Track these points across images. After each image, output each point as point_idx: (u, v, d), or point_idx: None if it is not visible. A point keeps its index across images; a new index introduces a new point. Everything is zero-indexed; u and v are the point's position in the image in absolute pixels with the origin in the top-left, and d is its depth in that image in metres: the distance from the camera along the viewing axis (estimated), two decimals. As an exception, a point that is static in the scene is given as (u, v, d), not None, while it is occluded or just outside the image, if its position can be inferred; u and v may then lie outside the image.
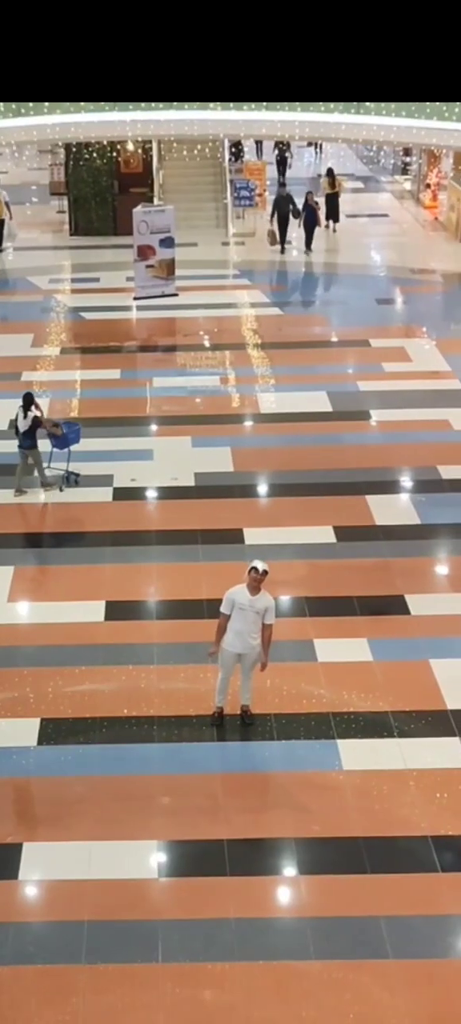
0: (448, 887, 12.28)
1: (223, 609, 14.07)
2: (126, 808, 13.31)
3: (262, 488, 20.62)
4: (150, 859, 12.62)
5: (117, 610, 16.94)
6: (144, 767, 13.93)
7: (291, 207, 33.39)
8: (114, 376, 25.70)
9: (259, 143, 42.74)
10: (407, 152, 41.88)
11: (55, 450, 20.79)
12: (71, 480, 20.77)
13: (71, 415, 23.57)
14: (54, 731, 14.49)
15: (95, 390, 24.80)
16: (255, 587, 13.98)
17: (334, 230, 36.10)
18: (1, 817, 13.39)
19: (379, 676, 15.45)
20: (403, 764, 13.92)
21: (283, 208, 33.19)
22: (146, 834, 12.91)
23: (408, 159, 42.95)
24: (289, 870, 12.56)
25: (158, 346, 27.66)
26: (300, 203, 34.23)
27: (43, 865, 12.55)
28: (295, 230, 34.09)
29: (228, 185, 37.29)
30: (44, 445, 20.41)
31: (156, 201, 33.58)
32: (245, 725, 14.51)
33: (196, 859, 12.66)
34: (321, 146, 46.58)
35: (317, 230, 33.91)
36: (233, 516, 19.34)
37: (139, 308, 29.87)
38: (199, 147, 35.48)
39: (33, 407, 20.37)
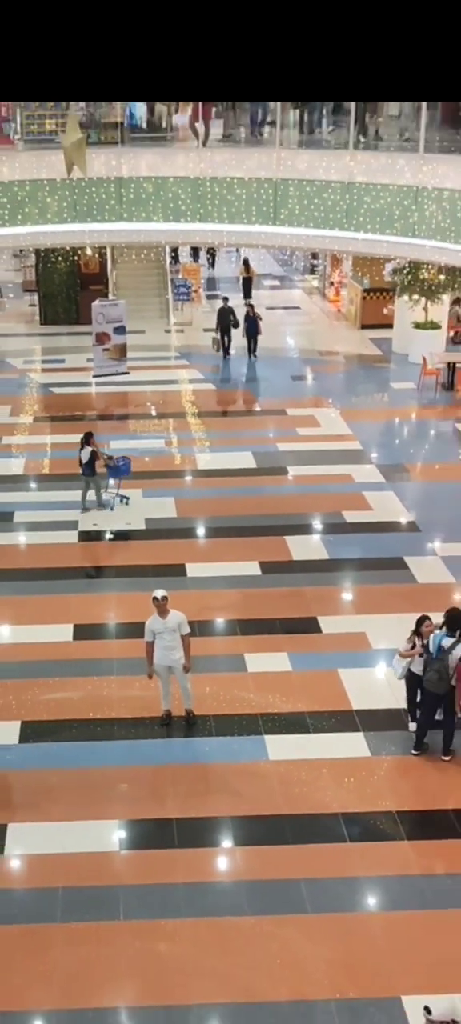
0: (355, 854, 12.37)
1: (146, 638, 14.17)
2: (92, 794, 13.30)
3: (200, 530, 20.63)
4: (112, 836, 12.62)
5: (83, 631, 16.90)
6: (107, 760, 13.91)
7: (232, 318, 31.95)
8: (78, 440, 25.57)
9: (195, 249, 42.82)
10: (314, 256, 42.17)
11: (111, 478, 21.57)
12: (122, 501, 21.37)
13: (42, 472, 23.56)
14: (32, 732, 14.43)
15: (62, 451, 24.65)
16: (162, 611, 14.06)
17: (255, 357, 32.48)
18: (-11, 803, 13.38)
19: (297, 683, 15.53)
20: (317, 755, 14.00)
21: (225, 320, 31.86)
22: (109, 815, 12.92)
23: (315, 261, 43.19)
24: (226, 842, 12.59)
25: (113, 415, 27.60)
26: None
27: (24, 842, 12.50)
28: (238, 339, 32.20)
29: (169, 283, 37.38)
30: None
31: (111, 296, 33.52)
32: (189, 725, 14.50)
33: (150, 835, 12.68)
34: (238, 250, 45.46)
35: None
36: (177, 553, 19.33)
37: (98, 384, 29.80)
38: (145, 252, 35.55)
39: (91, 443, 20.90)
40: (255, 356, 31.71)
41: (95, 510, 21.11)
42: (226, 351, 31.74)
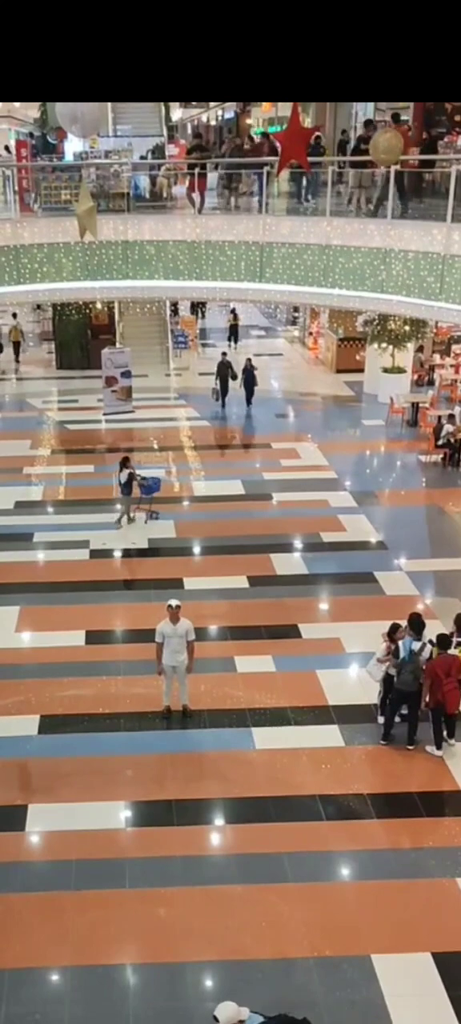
0: (330, 831, 12.45)
1: (157, 639, 14.29)
2: (101, 779, 13.35)
3: (196, 549, 20.68)
4: (119, 815, 12.67)
5: (94, 637, 16.96)
6: (114, 749, 13.97)
7: (230, 371, 30.64)
8: (89, 470, 25.69)
9: (194, 305, 42.83)
10: (296, 309, 42.29)
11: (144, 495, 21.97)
12: (153, 516, 21.84)
13: (58, 498, 23.64)
14: (49, 724, 14.49)
15: (76, 480, 24.77)
16: (174, 618, 14.17)
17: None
18: (12, 786, 13.40)
19: (280, 682, 15.60)
20: (298, 744, 14.08)
21: (223, 372, 30.49)
22: (116, 797, 12.98)
23: (296, 314, 43.31)
24: (218, 821, 12.67)
25: (120, 448, 27.65)
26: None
27: (42, 821, 12.55)
28: (235, 389, 31.02)
29: (169, 333, 37.49)
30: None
31: (118, 345, 33.57)
32: (185, 718, 14.57)
33: (152, 814, 12.73)
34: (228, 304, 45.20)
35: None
36: (176, 569, 19.40)
37: (107, 421, 29.85)
38: (148, 306, 35.64)
39: (128, 466, 21.65)
40: (251, 404, 30.64)
41: (126, 525, 21.57)
42: (223, 402, 30.61)
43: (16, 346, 37.13)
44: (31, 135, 37.37)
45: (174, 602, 14.32)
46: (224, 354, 31.22)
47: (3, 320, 38.47)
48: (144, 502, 21.99)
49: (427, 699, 13.78)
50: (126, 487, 21.62)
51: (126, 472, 21.57)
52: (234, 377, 30.68)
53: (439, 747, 13.93)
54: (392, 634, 14.15)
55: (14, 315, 36.94)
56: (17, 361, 37.11)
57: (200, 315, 43.44)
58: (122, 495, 21.87)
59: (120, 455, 26.38)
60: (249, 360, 30.99)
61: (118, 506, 22.07)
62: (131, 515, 21.81)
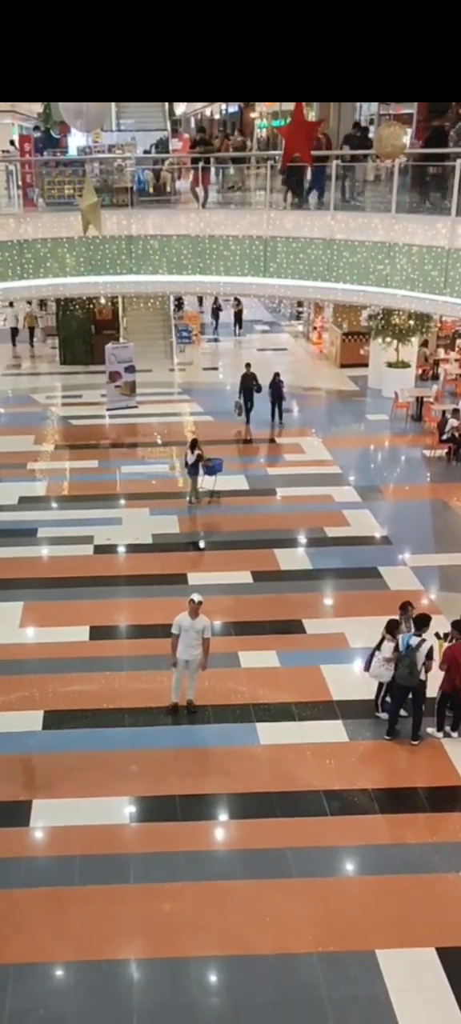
0: (334, 826, 12.46)
1: (173, 630, 14.24)
2: (105, 774, 13.37)
3: (200, 544, 20.75)
4: (123, 810, 12.69)
5: (98, 632, 16.98)
6: (118, 745, 13.98)
7: (254, 383, 28.19)
8: (93, 465, 25.71)
9: (200, 298, 42.84)
10: (300, 304, 42.24)
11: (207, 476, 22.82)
12: (214, 496, 22.72)
13: (62, 493, 23.66)
14: (54, 720, 14.51)
15: (79, 475, 24.79)
16: (194, 613, 14.16)
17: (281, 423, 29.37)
18: (16, 782, 13.41)
19: (284, 677, 15.61)
20: (302, 739, 14.10)
21: (248, 384, 28.17)
22: (120, 792, 13.00)
23: (300, 309, 43.27)
24: (222, 816, 12.69)
25: (124, 444, 27.68)
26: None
27: (46, 816, 12.57)
28: (262, 405, 28.48)
29: (173, 328, 37.48)
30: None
31: (121, 340, 33.55)
32: (190, 714, 14.59)
33: (156, 809, 12.76)
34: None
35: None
36: (179, 564, 19.42)
37: (111, 416, 29.86)
38: (151, 301, 35.63)
39: (197, 447, 22.42)
40: (281, 423, 28.48)
41: (194, 499, 22.62)
42: (248, 417, 28.42)
43: (31, 331, 38.65)
44: (38, 128, 37.31)
45: (197, 597, 14.33)
46: (248, 365, 28.87)
47: (11, 309, 38.60)
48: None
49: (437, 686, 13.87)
50: (193, 467, 22.44)
51: (195, 454, 22.34)
52: (259, 389, 28.49)
53: (441, 729, 14.02)
54: (393, 631, 14.18)
55: (29, 302, 37.10)
56: (32, 346, 38.43)
57: (213, 318, 42.11)
58: (189, 475, 22.61)
59: (124, 450, 26.52)
60: (277, 374, 28.74)
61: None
62: (196, 495, 22.67)
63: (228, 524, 21.71)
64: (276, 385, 28.43)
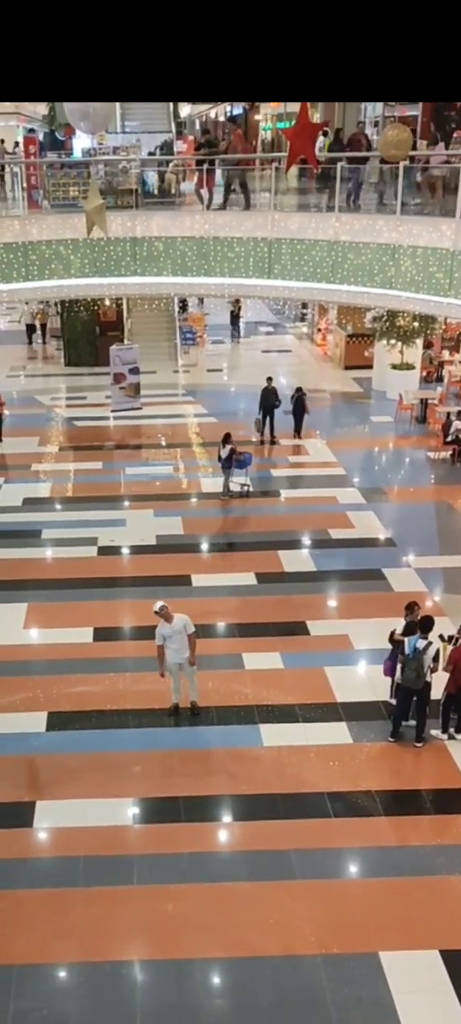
0: (338, 828, 12.45)
1: (157, 642, 14.31)
2: (109, 775, 13.39)
3: (204, 546, 20.71)
4: (127, 811, 12.70)
5: (102, 634, 17.00)
6: (122, 746, 13.99)
7: (275, 399, 26.94)
8: (97, 467, 25.74)
9: (200, 299, 42.81)
10: (304, 305, 42.22)
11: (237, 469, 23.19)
12: (244, 490, 23.16)
13: (66, 495, 23.68)
14: (57, 721, 14.53)
15: (84, 476, 24.80)
16: (167, 618, 14.16)
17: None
18: (20, 783, 13.43)
19: (288, 679, 15.61)
20: (306, 741, 14.09)
21: (269, 401, 26.89)
22: (123, 793, 13.00)
23: (305, 310, 43.25)
24: (226, 817, 12.69)
25: (128, 445, 27.69)
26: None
27: (50, 817, 12.58)
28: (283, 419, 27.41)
29: (177, 330, 37.48)
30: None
31: (126, 341, 33.58)
32: (193, 715, 14.59)
33: (159, 810, 12.75)
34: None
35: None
36: (183, 566, 19.42)
37: (115, 418, 29.88)
38: (156, 303, 35.63)
39: (230, 442, 22.89)
40: (300, 436, 27.35)
41: (226, 494, 23.12)
42: (272, 436, 27.13)
43: (43, 328, 39.74)
44: (32, 131, 37.44)
45: (157, 605, 14.31)
46: (269, 379, 27.44)
47: (27, 306, 38.90)
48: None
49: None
50: (227, 461, 22.85)
51: (228, 448, 22.72)
52: (278, 404, 27.22)
53: (445, 731, 14.03)
54: (411, 611, 14.29)
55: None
56: (44, 343, 39.47)
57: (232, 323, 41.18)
58: (222, 469, 22.98)
59: (128, 452, 26.56)
60: (300, 389, 27.69)
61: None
62: (229, 490, 23.07)
63: (232, 526, 21.72)
64: (298, 399, 27.34)
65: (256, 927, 10.89)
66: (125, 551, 20.40)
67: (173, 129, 39.65)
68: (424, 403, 29.33)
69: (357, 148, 23.63)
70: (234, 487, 23.25)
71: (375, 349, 32.66)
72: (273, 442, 27.10)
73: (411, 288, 20.30)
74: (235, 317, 40.07)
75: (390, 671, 14.33)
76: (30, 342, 40.03)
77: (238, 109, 57.48)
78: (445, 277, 19.42)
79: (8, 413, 28.62)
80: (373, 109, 35.53)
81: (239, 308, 40.28)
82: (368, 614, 17.39)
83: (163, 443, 27.82)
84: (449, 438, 25.75)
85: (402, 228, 20.26)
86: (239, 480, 23.28)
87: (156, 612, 14.22)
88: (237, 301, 38.86)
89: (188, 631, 14.21)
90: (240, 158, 24.51)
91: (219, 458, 23.06)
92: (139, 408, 30.40)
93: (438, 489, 24.23)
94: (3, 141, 34.03)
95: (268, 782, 13.25)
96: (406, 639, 13.89)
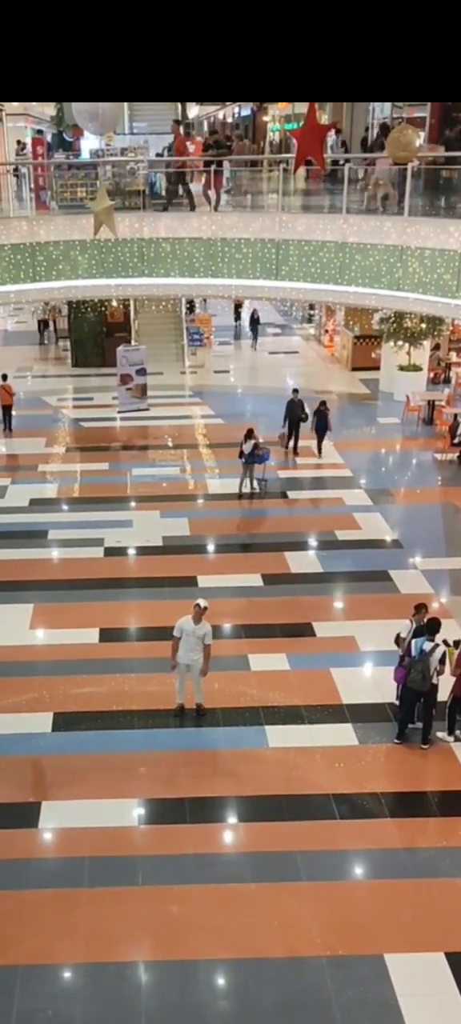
0: (344, 830, 12.43)
1: (175, 633, 14.27)
2: (115, 776, 13.38)
3: (210, 547, 20.71)
4: (132, 812, 12.68)
5: (108, 634, 17.00)
6: (127, 747, 13.99)
7: (302, 413, 26.24)
8: (104, 467, 25.76)
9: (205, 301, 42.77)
10: (311, 307, 42.22)
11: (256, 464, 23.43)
12: (263, 485, 23.67)
13: (73, 495, 23.70)
14: (63, 721, 14.52)
15: (90, 478, 24.82)
16: (197, 617, 14.16)
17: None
18: (26, 784, 13.43)
19: (294, 680, 15.60)
20: (311, 743, 14.08)
21: (295, 413, 26.19)
22: (129, 794, 12.99)
23: (312, 312, 43.25)
24: (231, 819, 12.68)
25: (135, 446, 27.71)
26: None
27: (55, 817, 12.58)
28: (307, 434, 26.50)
29: (184, 331, 37.51)
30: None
31: (133, 342, 33.59)
32: (199, 716, 14.58)
33: (165, 812, 12.74)
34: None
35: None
36: (190, 567, 19.42)
37: (122, 419, 29.92)
38: (163, 304, 35.64)
39: (253, 437, 23.04)
40: (320, 454, 26.25)
41: (248, 490, 23.40)
42: (295, 450, 26.45)
43: (55, 323, 40.39)
44: (40, 132, 37.51)
45: (202, 602, 14.31)
46: (295, 391, 26.80)
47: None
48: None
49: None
50: (250, 456, 23.00)
51: (251, 443, 22.90)
52: (306, 418, 26.44)
53: (451, 732, 14.02)
54: (418, 611, 14.36)
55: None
56: (56, 340, 40.04)
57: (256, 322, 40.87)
58: (244, 463, 23.11)
59: (135, 453, 26.59)
60: (323, 403, 26.52)
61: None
62: (251, 486, 23.36)
63: (239, 527, 21.73)
64: (321, 413, 26.18)
65: (261, 928, 10.88)
66: (131, 552, 20.40)
67: (181, 131, 39.62)
68: (431, 405, 29.31)
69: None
70: (246, 488, 23.31)
71: (382, 350, 32.66)
72: (296, 454, 26.44)
73: (419, 289, 20.27)
74: (255, 321, 39.75)
75: (403, 678, 14.18)
76: (42, 339, 40.32)
77: (246, 110, 57.48)
78: (453, 279, 19.39)
79: (14, 413, 28.66)
80: (381, 110, 35.42)
81: (249, 309, 40.16)
82: (374, 616, 17.38)
83: (170, 444, 27.83)
84: (456, 440, 25.73)
85: (410, 230, 20.25)
86: (256, 477, 23.50)
87: (197, 605, 14.24)
88: (239, 303, 38.84)
89: (206, 640, 14.23)
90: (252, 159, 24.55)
91: (241, 453, 23.05)
92: (146, 409, 30.43)
93: (445, 491, 24.20)
94: (20, 143, 34.25)
95: (273, 783, 13.24)
96: (413, 641, 13.88)
